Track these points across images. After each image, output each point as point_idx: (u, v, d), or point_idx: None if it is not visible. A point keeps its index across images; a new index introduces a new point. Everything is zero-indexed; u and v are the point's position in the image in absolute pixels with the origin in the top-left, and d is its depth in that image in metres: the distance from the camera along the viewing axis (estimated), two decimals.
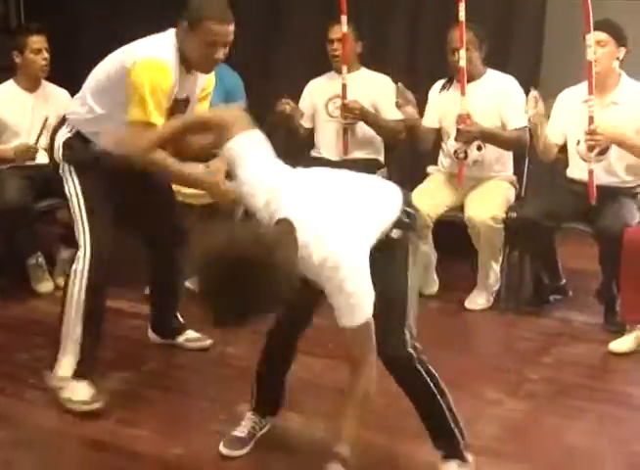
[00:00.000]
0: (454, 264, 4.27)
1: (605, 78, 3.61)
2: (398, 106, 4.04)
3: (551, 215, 3.72)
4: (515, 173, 4.21)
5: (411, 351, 2.37)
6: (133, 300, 3.90)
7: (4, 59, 4.27)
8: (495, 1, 4.52)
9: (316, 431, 2.78)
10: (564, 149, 3.87)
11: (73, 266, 2.90)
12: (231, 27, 2.84)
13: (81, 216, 2.91)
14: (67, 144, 2.96)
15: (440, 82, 4.20)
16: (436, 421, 2.45)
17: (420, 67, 4.68)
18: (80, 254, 2.89)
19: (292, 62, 4.92)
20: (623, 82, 3.71)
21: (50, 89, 4.29)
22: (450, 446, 2.46)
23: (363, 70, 4.39)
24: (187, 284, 3.48)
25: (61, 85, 4.29)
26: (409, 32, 4.76)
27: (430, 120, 4.18)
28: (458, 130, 3.94)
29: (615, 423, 2.91)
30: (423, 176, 4.29)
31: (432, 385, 2.39)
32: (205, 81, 3.08)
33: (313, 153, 4.47)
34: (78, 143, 2.95)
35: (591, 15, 3.38)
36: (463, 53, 3.85)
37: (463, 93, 3.93)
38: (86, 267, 2.86)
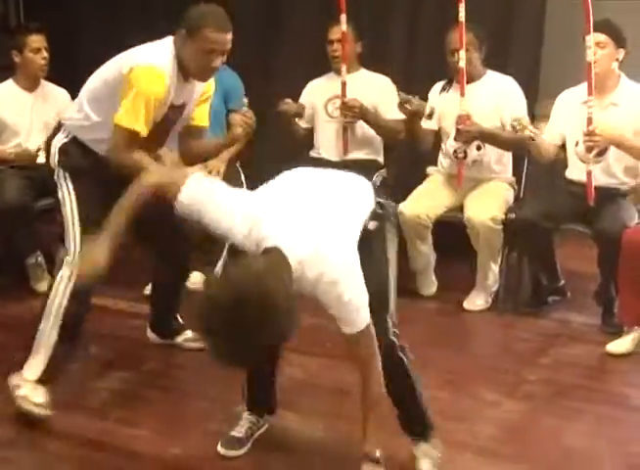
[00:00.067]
0: (453, 265, 4.27)
1: (604, 80, 3.62)
2: (402, 106, 4.02)
3: (550, 217, 3.72)
4: (514, 174, 4.22)
5: (394, 338, 2.42)
6: (132, 299, 3.91)
7: (3, 58, 4.26)
8: (495, 2, 4.52)
9: (314, 430, 2.79)
10: (563, 150, 3.88)
11: (60, 272, 2.89)
12: (229, 36, 2.84)
13: (72, 222, 2.91)
14: (62, 150, 2.96)
15: (440, 84, 4.20)
16: (412, 407, 2.52)
17: (419, 68, 4.68)
18: (69, 259, 2.89)
19: (291, 62, 4.92)
20: (623, 84, 3.71)
21: (49, 89, 4.29)
22: (423, 431, 2.55)
23: (363, 70, 4.39)
24: (187, 285, 3.49)
25: (60, 85, 4.29)
26: (408, 34, 4.76)
27: (429, 122, 4.18)
28: (458, 130, 3.94)
29: (612, 424, 2.91)
30: (422, 177, 4.29)
31: (410, 371, 2.45)
32: (205, 86, 3.07)
33: (312, 153, 4.47)
34: (74, 148, 2.95)
35: (591, 16, 3.39)
36: (463, 53, 3.85)
37: (462, 94, 3.93)
38: (73, 274, 2.85)
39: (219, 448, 2.65)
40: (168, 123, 2.99)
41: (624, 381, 3.33)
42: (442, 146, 4.19)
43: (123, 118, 2.79)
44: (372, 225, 2.37)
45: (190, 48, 2.83)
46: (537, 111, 4.16)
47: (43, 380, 2.85)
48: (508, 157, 4.18)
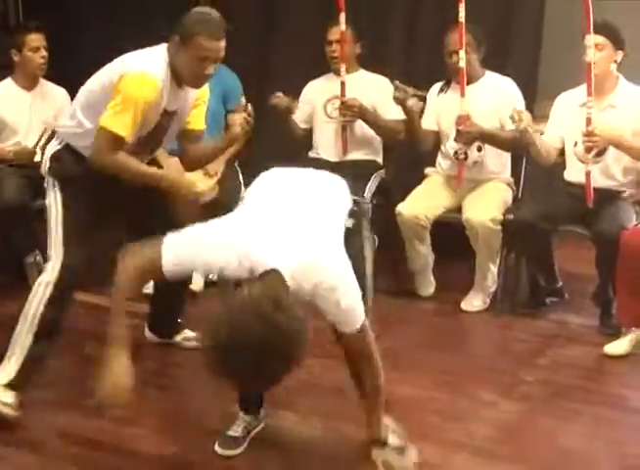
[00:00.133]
0: (451, 266, 4.28)
1: (602, 81, 3.62)
2: (398, 101, 4.03)
3: (548, 218, 3.73)
4: (512, 175, 4.22)
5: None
6: (130, 298, 3.90)
7: (2, 57, 4.26)
8: (494, 3, 4.53)
9: (312, 430, 2.79)
10: (561, 151, 3.88)
11: (40, 277, 2.89)
12: (222, 44, 2.85)
13: (56, 229, 2.90)
14: (54, 157, 2.97)
15: (438, 85, 4.20)
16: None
17: (418, 69, 4.68)
18: (49, 265, 2.88)
19: (290, 63, 4.92)
20: (621, 85, 3.72)
21: (48, 88, 4.28)
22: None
23: (361, 71, 4.39)
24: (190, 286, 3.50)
25: (59, 84, 4.29)
26: (407, 34, 4.77)
27: (428, 122, 4.19)
28: (458, 131, 3.95)
29: (609, 425, 2.92)
30: (421, 178, 4.30)
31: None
32: (199, 93, 3.07)
33: (311, 154, 4.47)
34: (67, 155, 2.96)
35: (591, 16, 3.39)
36: (463, 54, 3.85)
37: (463, 94, 3.93)
38: (52, 280, 2.84)
39: (216, 448, 2.65)
40: (161, 130, 2.99)
41: (622, 382, 3.33)
42: (441, 147, 4.19)
43: (108, 121, 2.78)
44: (349, 223, 2.42)
45: (183, 55, 2.83)
46: (536, 112, 4.16)
47: (13, 385, 2.80)
48: (507, 158, 4.18)
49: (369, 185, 4.20)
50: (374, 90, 4.30)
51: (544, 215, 3.73)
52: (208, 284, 3.98)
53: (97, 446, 2.70)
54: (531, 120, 3.71)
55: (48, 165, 2.97)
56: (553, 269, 3.97)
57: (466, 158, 3.99)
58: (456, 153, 3.99)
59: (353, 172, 4.19)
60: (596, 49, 3.54)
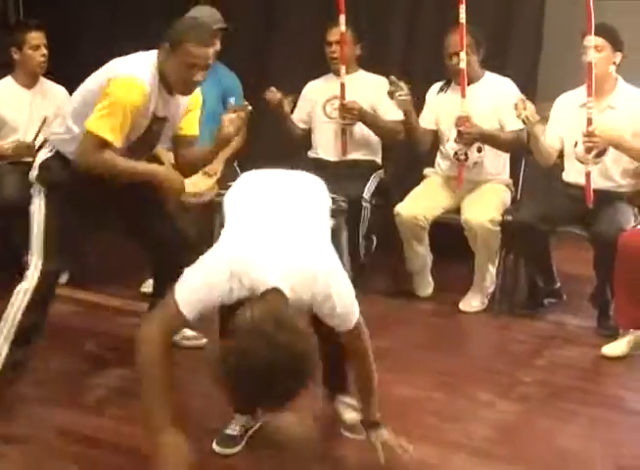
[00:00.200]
0: (449, 266, 4.28)
1: (601, 83, 3.62)
2: (392, 95, 4.02)
3: (546, 219, 3.73)
4: (511, 176, 4.23)
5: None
6: (129, 297, 3.91)
7: (2, 55, 4.25)
8: (494, 4, 4.53)
9: (311, 430, 2.80)
10: (560, 153, 3.89)
11: (20, 284, 2.89)
12: (210, 51, 2.86)
13: (37, 235, 2.90)
14: (43, 165, 2.97)
15: (438, 84, 4.21)
16: (339, 365, 2.65)
17: (417, 70, 4.69)
18: (29, 272, 2.89)
19: (290, 63, 4.92)
20: (620, 87, 3.73)
21: (48, 86, 4.28)
22: (343, 384, 2.72)
23: (361, 71, 4.39)
24: None
25: (59, 82, 4.28)
26: (407, 35, 4.78)
27: (427, 122, 4.20)
28: (459, 132, 3.95)
29: (606, 426, 2.92)
30: (419, 178, 4.30)
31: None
32: (190, 99, 3.06)
33: (311, 154, 4.48)
34: (57, 162, 2.95)
35: (592, 16, 3.40)
36: (463, 55, 3.86)
37: (463, 95, 3.94)
38: (31, 288, 2.86)
39: (214, 446, 2.65)
40: (152, 135, 2.98)
41: (619, 383, 3.33)
42: (440, 147, 4.20)
43: (94, 125, 2.78)
44: (331, 224, 2.47)
45: (172, 62, 2.83)
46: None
47: None
48: (506, 159, 4.19)
49: (368, 185, 4.20)
50: (373, 91, 4.30)
51: (543, 217, 3.73)
52: None
53: (96, 443, 2.70)
54: (535, 112, 3.71)
55: (37, 173, 2.97)
56: (551, 270, 3.98)
57: (466, 159, 3.99)
58: (456, 154, 4.00)
59: (352, 172, 4.23)
60: (595, 50, 3.54)
